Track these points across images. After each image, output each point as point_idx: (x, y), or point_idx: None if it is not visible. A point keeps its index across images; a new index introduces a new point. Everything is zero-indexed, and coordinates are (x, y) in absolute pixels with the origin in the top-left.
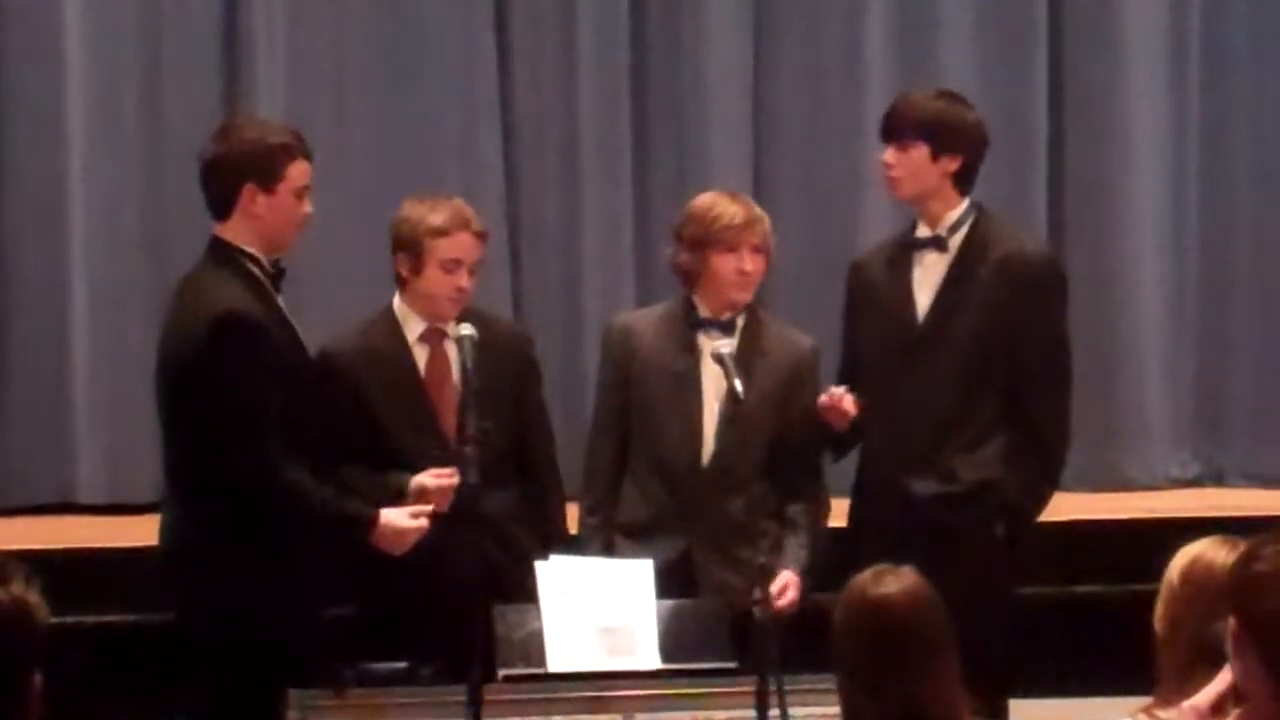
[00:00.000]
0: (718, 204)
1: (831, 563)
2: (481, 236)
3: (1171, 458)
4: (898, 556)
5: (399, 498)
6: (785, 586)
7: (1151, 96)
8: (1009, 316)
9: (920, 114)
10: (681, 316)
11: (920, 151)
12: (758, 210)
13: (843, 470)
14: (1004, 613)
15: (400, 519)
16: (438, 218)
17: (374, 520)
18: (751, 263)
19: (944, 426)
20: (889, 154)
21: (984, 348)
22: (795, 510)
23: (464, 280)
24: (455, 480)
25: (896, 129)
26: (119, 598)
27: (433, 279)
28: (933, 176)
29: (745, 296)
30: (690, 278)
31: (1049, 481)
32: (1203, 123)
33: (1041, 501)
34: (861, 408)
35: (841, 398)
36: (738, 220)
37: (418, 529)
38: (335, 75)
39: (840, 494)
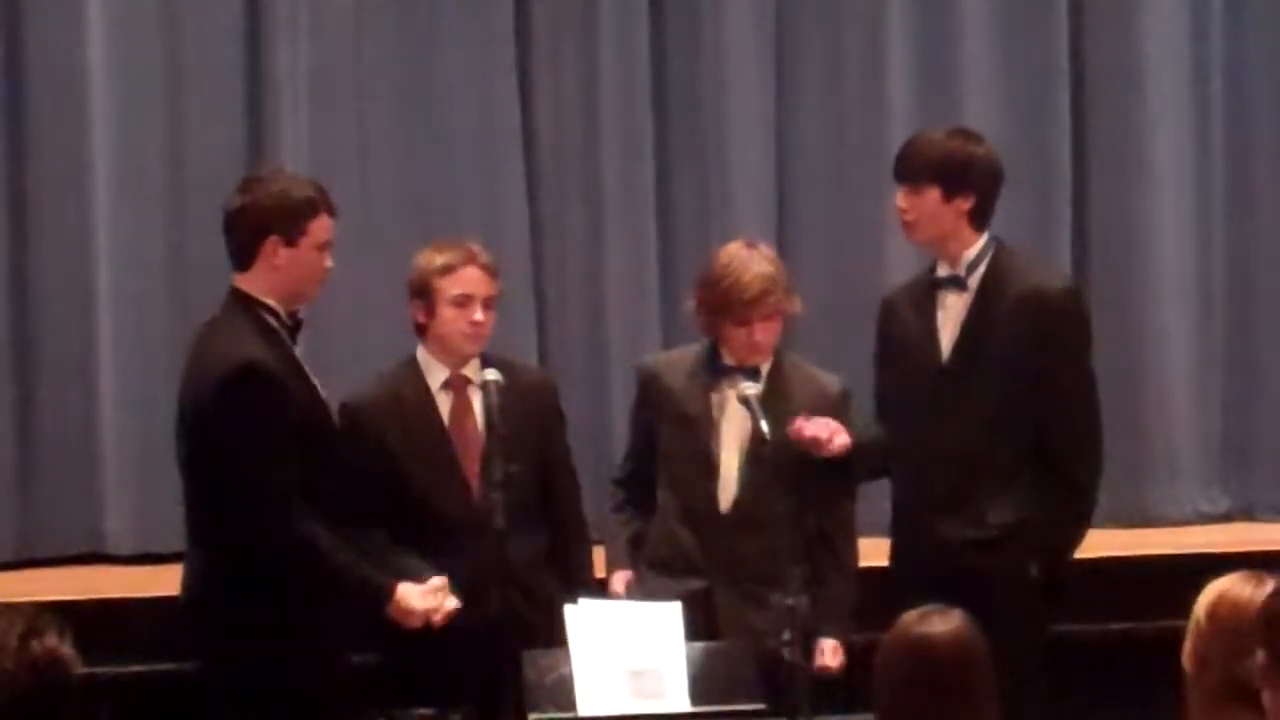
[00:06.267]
0: (731, 270)
1: (871, 604)
2: (490, 270)
3: (1200, 493)
4: (933, 600)
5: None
6: (834, 651)
7: (1175, 135)
8: (1031, 353)
9: (929, 155)
10: (706, 362)
11: (932, 194)
12: (771, 271)
13: (881, 508)
14: (1041, 655)
15: (414, 598)
16: (442, 257)
17: (390, 591)
18: (763, 332)
19: (971, 467)
20: (901, 196)
21: (1008, 386)
22: (823, 571)
23: (477, 314)
24: (443, 608)
25: (907, 171)
26: (148, 647)
27: (446, 318)
28: (947, 218)
29: (760, 361)
30: (710, 334)
31: (1081, 520)
32: (1227, 160)
33: (1074, 541)
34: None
35: (795, 432)
36: (748, 295)
37: (425, 611)
38: (358, 124)
39: (881, 531)
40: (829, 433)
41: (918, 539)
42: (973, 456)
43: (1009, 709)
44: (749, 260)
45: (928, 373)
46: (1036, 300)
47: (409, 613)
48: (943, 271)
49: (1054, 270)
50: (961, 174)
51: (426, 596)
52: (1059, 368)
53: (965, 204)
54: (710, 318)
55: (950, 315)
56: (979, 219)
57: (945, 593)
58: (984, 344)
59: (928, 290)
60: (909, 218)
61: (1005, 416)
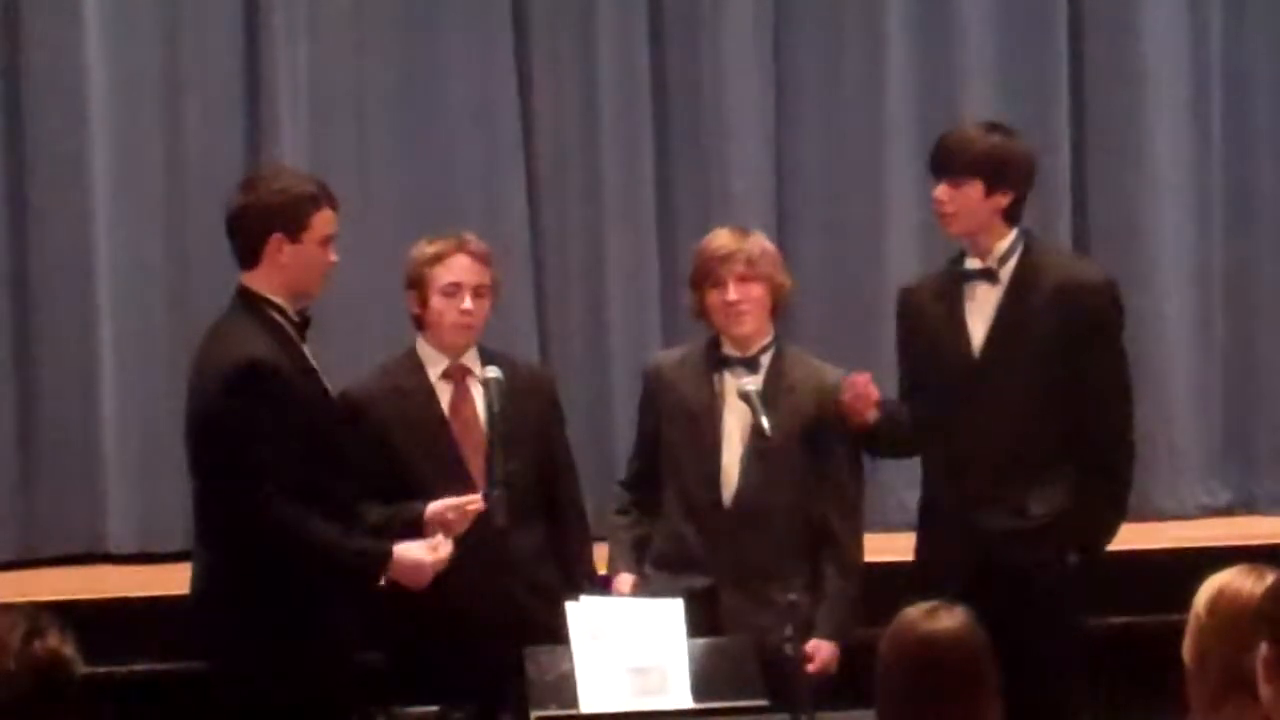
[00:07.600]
0: (710, 240)
1: (897, 599)
2: (481, 258)
3: (1202, 486)
4: (969, 594)
5: (414, 528)
6: (816, 650)
7: (1175, 134)
8: (1067, 345)
9: (974, 151)
10: (706, 355)
11: (974, 188)
12: (750, 241)
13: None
14: (1076, 647)
15: (416, 551)
16: (432, 247)
17: (388, 555)
18: (737, 292)
19: (1008, 459)
20: (941, 190)
21: (1044, 378)
22: (827, 569)
23: (467, 303)
24: (480, 505)
25: (950, 165)
26: (150, 647)
27: (437, 307)
28: (985, 212)
29: (742, 328)
30: (702, 317)
31: (1119, 509)
32: (1226, 154)
33: (1113, 529)
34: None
35: (861, 384)
36: (720, 252)
37: (435, 562)
38: (357, 122)
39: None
40: (869, 396)
41: (951, 532)
42: (1009, 449)
43: (1049, 699)
44: (731, 231)
45: (959, 366)
46: (1075, 291)
47: (417, 565)
48: (973, 264)
49: (1088, 261)
50: (1004, 171)
51: (429, 550)
52: (1097, 358)
53: (1004, 200)
54: (695, 293)
55: (980, 307)
56: (1013, 214)
57: (982, 585)
58: (1019, 336)
59: (954, 282)
60: (948, 210)
61: (1041, 407)
